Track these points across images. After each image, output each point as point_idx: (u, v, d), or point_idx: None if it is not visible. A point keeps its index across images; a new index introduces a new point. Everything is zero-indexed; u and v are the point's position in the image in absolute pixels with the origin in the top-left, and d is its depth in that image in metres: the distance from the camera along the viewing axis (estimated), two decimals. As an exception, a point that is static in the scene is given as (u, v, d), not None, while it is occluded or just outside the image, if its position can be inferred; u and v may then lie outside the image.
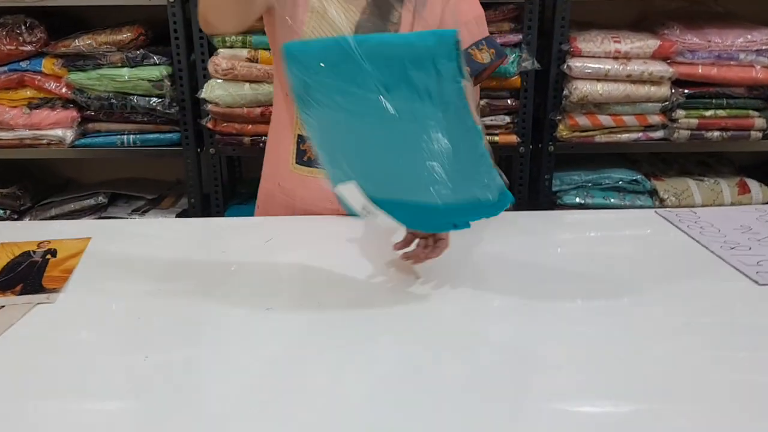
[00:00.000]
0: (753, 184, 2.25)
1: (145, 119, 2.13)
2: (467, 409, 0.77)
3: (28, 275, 1.12)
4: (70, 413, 0.77)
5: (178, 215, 2.28)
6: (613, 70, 2.04)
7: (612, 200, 2.22)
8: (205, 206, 2.23)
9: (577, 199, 2.21)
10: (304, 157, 1.36)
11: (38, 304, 1.03)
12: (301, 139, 1.35)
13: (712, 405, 0.78)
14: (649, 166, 2.36)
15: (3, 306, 1.01)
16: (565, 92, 2.08)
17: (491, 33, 2.03)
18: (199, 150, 2.15)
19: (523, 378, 0.84)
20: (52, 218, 2.25)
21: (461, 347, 0.91)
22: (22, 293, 1.06)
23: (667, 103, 2.09)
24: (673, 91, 2.09)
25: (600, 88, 2.05)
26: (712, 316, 0.99)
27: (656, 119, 2.13)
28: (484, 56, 1.26)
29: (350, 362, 0.86)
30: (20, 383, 0.83)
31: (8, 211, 2.25)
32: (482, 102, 2.08)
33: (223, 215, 2.13)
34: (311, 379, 0.83)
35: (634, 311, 1.00)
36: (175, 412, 0.77)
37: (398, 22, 1.24)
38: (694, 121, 2.13)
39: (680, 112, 2.12)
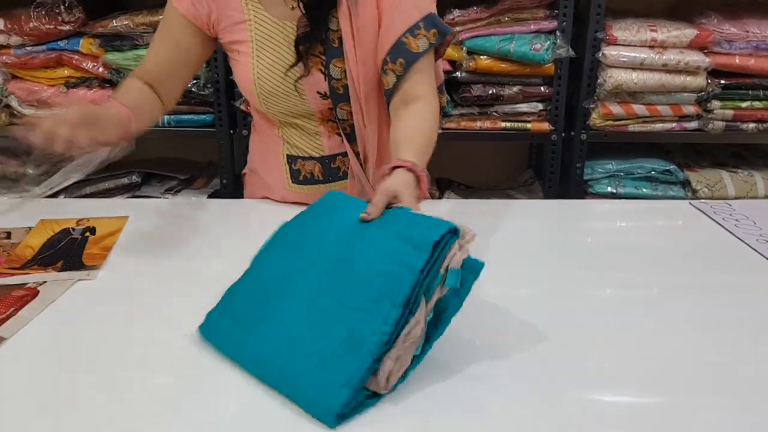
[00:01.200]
0: (788, 177, 2.22)
1: (180, 100, 2.15)
2: (492, 393, 0.78)
3: (69, 252, 1.15)
4: (108, 387, 0.79)
5: (210, 196, 2.30)
6: (648, 59, 2.01)
7: (644, 190, 2.20)
8: (236, 187, 2.25)
9: (609, 188, 2.20)
10: (299, 177, 1.35)
11: (79, 280, 1.05)
12: (291, 159, 1.34)
13: (740, 399, 0.78)
14: (683, 156, 2.33)
15: (45, 282, 1.04)
16: (599, 80, 2.06)
17: (526, 20, 2.04)
18: (232, 131, 2.16)
19: (548, 364, 0.84)
20: (86, 196, 2.28)
21: (488, 333, 0.92)
22: (63, 269, 1.09)
23: (702, 93, 2.07)
24: (709, 81, 2.06)
25: (635, 77, 2.03)
26: (747, 309, 0.98)
27: (691, 109, 2.10)
28: (420, 42, 1.17)
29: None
30: (61, 357, 0.86)
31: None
32: (515, 89, 2.07)
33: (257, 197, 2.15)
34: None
35: (665, 302, 1.00)
36: (211, 386, 0.78)
37: (337, 28, 1.20)
38: (730, 112, 2.10)
39: (715, 103, 2.09)
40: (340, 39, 1.20)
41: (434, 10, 1.21)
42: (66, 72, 2.14)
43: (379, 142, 1.30)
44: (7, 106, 2.17)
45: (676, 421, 0.74)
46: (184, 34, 1.26)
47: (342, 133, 1.29)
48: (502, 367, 0.84)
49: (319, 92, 1.24)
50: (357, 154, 1.30)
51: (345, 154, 1.31)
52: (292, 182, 1.36)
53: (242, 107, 2.09)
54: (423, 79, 1.21)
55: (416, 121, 1.17)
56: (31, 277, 1.06)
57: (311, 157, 1.32)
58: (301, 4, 1.18)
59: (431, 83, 1.23)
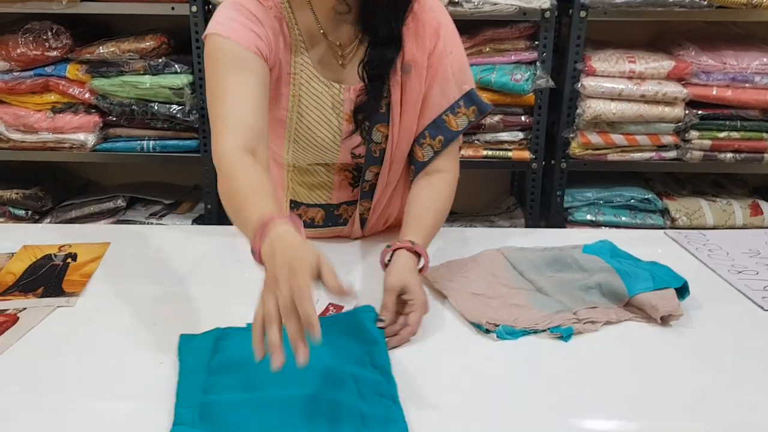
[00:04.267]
0: (766, 206, 2.25)
1: (165, 126, 2.17)
2: (478, 420, 0.79)
3: (50, 278, 1.16)
4: (85, 412, 0.80)
5: (195, 220, 2.31)
6: (627, 90, 2.05)
7: (623, 218, 2.23)
8: (221, 212, 2.27)
9: (588, 216, 2.22)
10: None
11: (58, 307, 1.06)
12: (294, 205, 1.31)
13: (715, 425, 0.80)
14: (662, 185, 2.37)
15: (25, 308, 1.05)
16: (578, 110, 2.10)
17: (507, 50, 2.08)
18: (216, 157, 2.18)
19: (531, 391, 0.86)
20: (72, 220, 2.29)
21: (471, 359, 0.93)
22: (43, 296, 1.10)
23: (680, 123, 2.10)
24: (686, 112, 2.10)
25: (613, 108, 2.07)
26: (718, 338, 1.01)
27: (669, 139, 2.14)
28: (460, 121, 1.22)
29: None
30: (39, 382, 0.86)
31: (30, 212, 2.30)
32: (496, 118, 2.11)
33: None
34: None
35: (641, 331, 1.02)
36: (187, 417, 0.79)
37: (387, 94, 1.19)
38: (707, 143, 2.14)
39: (693, 133, 2.13)
40: (388, 105, 1.19)
41: (473, 85, 1.23)
42: (53, 97, 2.16)
43: (388, 203, 1.32)
44: (-6, 130, 2.17)
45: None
46: (267, 74, 1.10)
47: (360, 190, 1.28)
48: (484, 390, 0.85)
49: (353, 153, 1.24)
50: (366, 209, 1.31)
51: (351, 203, 1.31)
52: None
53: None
54: (452, 153, 1.26)
55: (433, 198, 1.22)
56: (12, 303, 1.07)
57: (317, 205, 1.31)
58: (365, 75, 1.16)
59: (457, 155, 1.28)
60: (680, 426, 0.80)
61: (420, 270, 1.08)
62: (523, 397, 0.85)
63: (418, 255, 1.09)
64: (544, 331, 0.99)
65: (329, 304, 1.04)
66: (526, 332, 0.99)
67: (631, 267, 1.13)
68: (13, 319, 1.01)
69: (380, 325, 0.96)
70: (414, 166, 1.25)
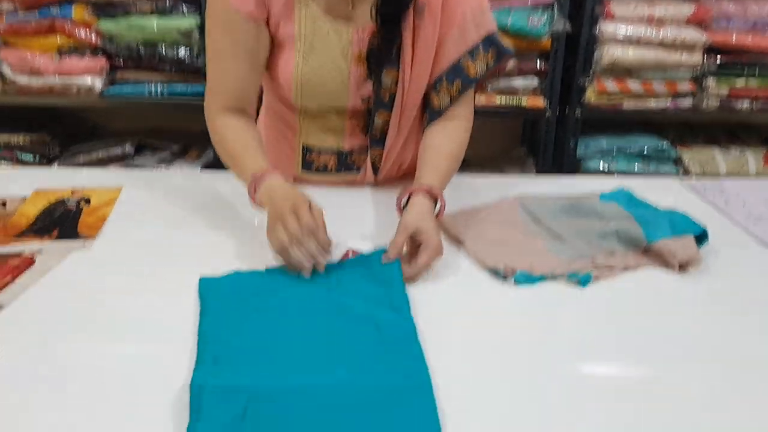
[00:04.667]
0: (780, 156, 2.23)
1: (173, 69, 2.14)
2: (483, 367, 0.79)
3: (64, 222, 1.15)
4: (103, 355, 0.81)
5: (203, 167, 2.30)
6: (645, 35, 2.01)
7: (636, 167, 2.21)
8: (230, 159, 2.25)
9: (602, 165, 2.21)
10: (312, 167, 1.31)
11: (75, 250, 1.06)
12: (307, 150, 1.29)
13: (721, 376, 0.79)
14: (676, 133, 2.34)
15: (41, 251, 1.05)
16: (595, 56, 2.06)
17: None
18: (225, 102, 2.15)
19: (548, 336, 0.86)
20: (79, 165, 2.28)
21: (487, 304, 0.93)
22: (58, 239, 1.10)
23: (698, 70, 2.07)
24: (705, 58, 2.06)
25: (631, 53, 2.03)
26: (736, 286, 1.00)
27: (686, 87, 2.11)
28: (479, 66, 1.18)
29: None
30: (58, 325, 0.87)
31: (38, 157, 2.29)
32: (511, 63, 2.07)
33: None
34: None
35: (659, 278, 1.01)
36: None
37: (399, 38, 1.15)
38: (725, 90, 2.11)
39: (711, 80, 2.10)
40: (398, 49, 1.16)
41: (494, 28, 1.19)
42: (59, 40, 2.13)
43: (402, 149, 1.30)
44: (0, 74, 2.15)
45: (659, 394, 0.75)
46: (257, 38, 1.13)
47: (370, 136, 1.26)
48: (490, 337, 0.85)
49: (362, 98, 1.21)
50: (378, 155, 1.30)
51: (363, 150, 1.29)
52: (303, 170, 1.32)
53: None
54: (467, 100, 1.23)
55: (447, 142, 1.20)
56: (27, 246, 1.06)
57: (329, 150, 1.29)
58: (378, 18, 1.13)
59: (472, 102, 1.25)
60: (695, 373, 0.80)
61: (437, 214, 1.07)
62: (539, 341, 0.85)
63: (434, 199, 1.08)
64: (561, 276, 0.99)
65: (348, 249, 1.03)
66: (543, 278, 0.98)
67: (649, 214, 1.12)
68: (29, 262, 1.01)
69: (384, 259, 0.97)
70: (428, 114, 1.23)
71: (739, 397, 0.76)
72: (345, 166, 1.31)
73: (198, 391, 0.70)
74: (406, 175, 1.37)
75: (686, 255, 1.01)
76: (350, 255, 1.02)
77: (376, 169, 1.31)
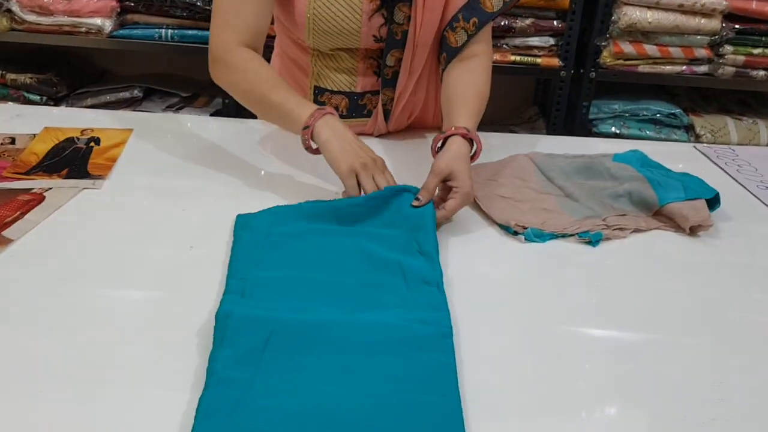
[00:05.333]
0: (792, 127, 2.21)
1: (184, 14, 2.11)
2: (488, 321, 0.80)
3: (74, 160, 1.15)
4: (110, 295, 0.81)
5: (212, 115, 2.29)
6: (665, -2, 1.97)
7: (648, 132, 2.19)
8: (238, 108, 2.23)
9: (613, 129, 2.19)
10: None
11: (84, 189, 1.06)
12: (318, 91, 1.28)
13: (722, 341, 0.79)
14: (689, 101, 2.32)
15: (51, 188, 1.05)
16: (613, 18, 2.02)
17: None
18: (236, 50, 2.12)
19: (555, 294, 0.86)
20: (87, 108, 2.26)
21: (497, 260, 0.94)
22: (68, 177, 1.09)
23: (716, 36, 2.03)
24: (724, 25, 2.02)
25: (649, 16, 1.99)
26: (740, 255, 0.99)
27: (702, 53, 2.07)
28: (495, 2, 1.16)
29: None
30: (67, 262, 0.87)
31: (44, 98, 2.27)
32: (527, 21, 2.04)
33: (256, 117, 2.13)
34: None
35: (669, 240, 1.01)
36: (211, 298, 0.80)
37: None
38: (741, 58, 2.08)
39: (728, 48, 2.06)
40: None
41: None
42: (68, -22, 2.09)
43: (413, 93, 1.28)
44: (8, 11, 2.12)
45: (661, 357, 0.76)
46: None
47: (381, 77, 1.25)
48: (489, 298, 0.85)
49: (375, 36, 1.19)
50: (389, 99, 1.28)
51: (375, 93, 1.28)
52: None
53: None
54: (485, 37, 1.21)
55: (472, 80, 1.17)
56: (37, 183, 1.06)
57: (341, 92, 1.27)
58: None
59: (490, 39, 1.23)
60: (683, 341, 0.79)
61: (472, 156, 1.06)
62: (546, 298, 0.85)
63: (470, 142, 1.06)
64: (572, 235, 0.98)
65: None
66: (554, 236, 0.98)
67: (662, 177, 1.11)
68: (39, 198, 1.01)
69: (415, 203, 0.96)
70: (446, 53, 1.20)
71: (746, 361, 0.76)
72: (356, 109, 1.29)
73: (223, 319, 0.71)
74: (415, 124, 1.36)
75: (698, 218, 1.01)
76: None
77: (386, 114, 1.30)
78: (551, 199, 1.08)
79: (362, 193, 0.98)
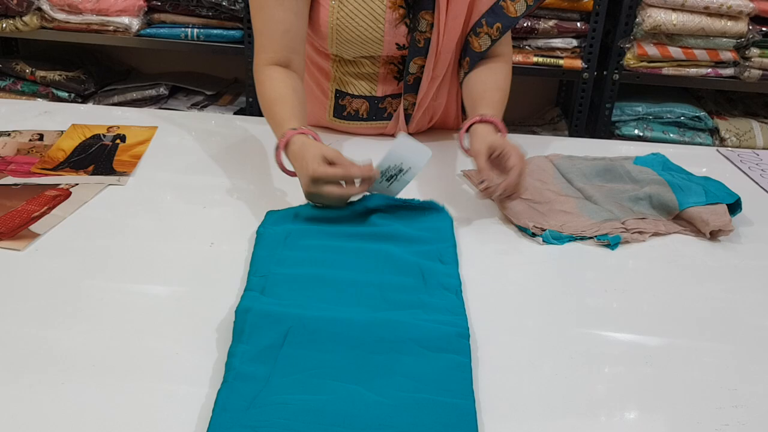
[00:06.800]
0: (819, 131, 2.18)
1: (210, 14, 2.13)
2: (505, 322, 0.80)
3: (100, 157, 1.17)
4: (131, 294, 0.82)
5: (236, 113, 2.31)
6: (690, 1, 1.96)
7: (671, 135, 2.17)
8: (261, 106, 2.26)
9: (636, 131, 2.17)
10: (343, 113, 1.31)
11: (110, 185, 1.08)
12: (339, 94, 1.29)
13: (741, 347, 0.79)
14: (714, 104, 2.29)
15: (77, 184, 1.07)
16: (637, 19, 2.01)
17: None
18: (260, 49, 2.15)
19: (572, 296, 0.86)
20: (114, 105, 2.30)
21: (515, 261, 0.94)
22: (94, 173, 1.11)
23: (742, 39, 2.01)
24: (750, 27, 2.00)
25: (674, 18, 1.98)
26: (761, 260, 0.98)
27: (728, 56, 2.05)
28: (518, 6, 1.17)
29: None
30: (93, 257, 0.89)
31: (73, 95, 2.31)
32: (550, 23, 2.03)
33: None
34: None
35: (689, 245, 1.01)
36: (231, 294, 0.81)
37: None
38: (767, 61, 2.05)
39: (754, 51, 2.04)
40: None
41: None
42: (97, -22, 2.12)
43: (434, 98, 1.29)
44: (39, 9, 2.16)
45: (680, 361, 0.76)
46: None
47: (404, 83, 1.26)
48: (507, 297, 0.86)
49: (398, 44, 1.20)
50: (410, 104, 1.29)
51: (395, 96, 1.29)
52: (334, 116, 1.32)
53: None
54: (506, 39, 1.23)
55: (495, 79, 1.20)
56: (64, 179, 1.08)
57: (361, 96, 1.29)
58: None
59: (510, 41, 1.26)
60: (703, 346, 0.79)
61: None
62: (564, 301, 0.85)
63: (494, 128, 1.08)
64: (591, 238, 0.98)
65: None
66: (572, 238, 0.98)
67: (683, 180, 1.10)
68: (66, 194, 1.03)
69: (483, 186, 0.99)
70: (470, 58, 1.22)
71: (766, 367, 0.75)
72: (376, 113, 1.30)
73: (243, 315, 0.72)
74: (436, 126, 1.37)
75: (718, 223, 1.00)
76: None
77: (407, 117, 1.30)
78: (570, 201, 1.08)
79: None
